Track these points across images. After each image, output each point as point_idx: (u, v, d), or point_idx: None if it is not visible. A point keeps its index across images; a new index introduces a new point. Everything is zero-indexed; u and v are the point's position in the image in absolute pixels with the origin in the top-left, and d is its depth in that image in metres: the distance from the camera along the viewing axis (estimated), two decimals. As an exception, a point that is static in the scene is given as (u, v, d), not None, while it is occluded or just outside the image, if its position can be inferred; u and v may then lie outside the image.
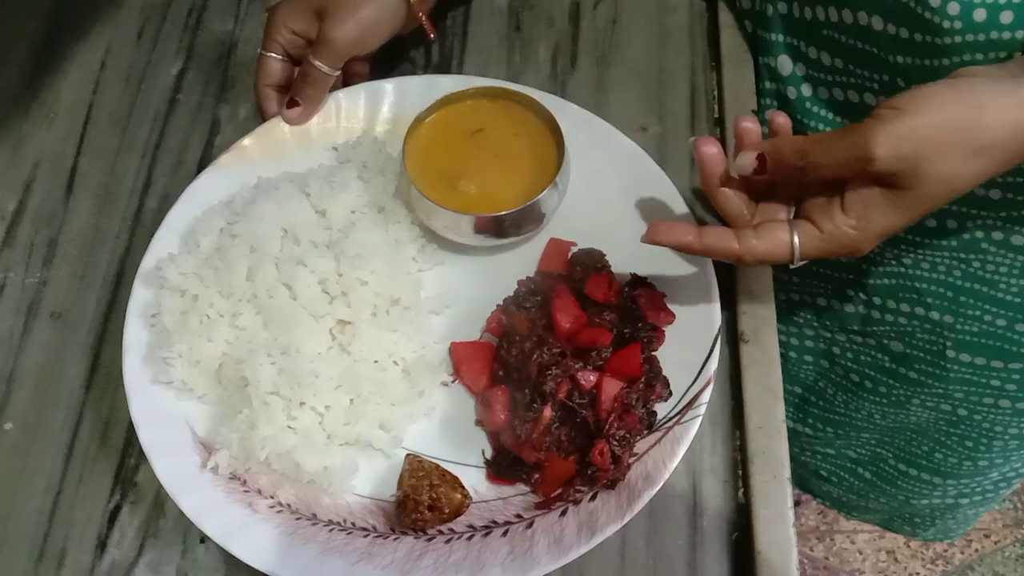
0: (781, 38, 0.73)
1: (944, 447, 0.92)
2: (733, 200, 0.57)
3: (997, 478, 0.97)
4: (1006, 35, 0.56)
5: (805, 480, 1.18)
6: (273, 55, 0.72)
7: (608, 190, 0.69)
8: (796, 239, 0.54)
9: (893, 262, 0.75)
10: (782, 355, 0.91)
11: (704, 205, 0.71)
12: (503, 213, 0.64)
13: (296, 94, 0.70)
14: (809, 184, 0.56)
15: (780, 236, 0.54)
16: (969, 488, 1.00)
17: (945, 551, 1.64)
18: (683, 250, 0.57)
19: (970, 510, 1.07)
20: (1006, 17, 0.55)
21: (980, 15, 0.56)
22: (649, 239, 0.57)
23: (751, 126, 0.57)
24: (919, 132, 0.49)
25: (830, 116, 0.72)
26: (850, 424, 0.97)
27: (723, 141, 0.74)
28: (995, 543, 1.66)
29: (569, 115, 0.69)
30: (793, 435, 1.04)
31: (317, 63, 0.68)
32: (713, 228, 0.56)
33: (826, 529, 1.68)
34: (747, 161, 0.54)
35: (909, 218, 0.53)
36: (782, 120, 0.58)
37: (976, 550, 1.64)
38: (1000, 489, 1.00)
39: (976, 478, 0.97)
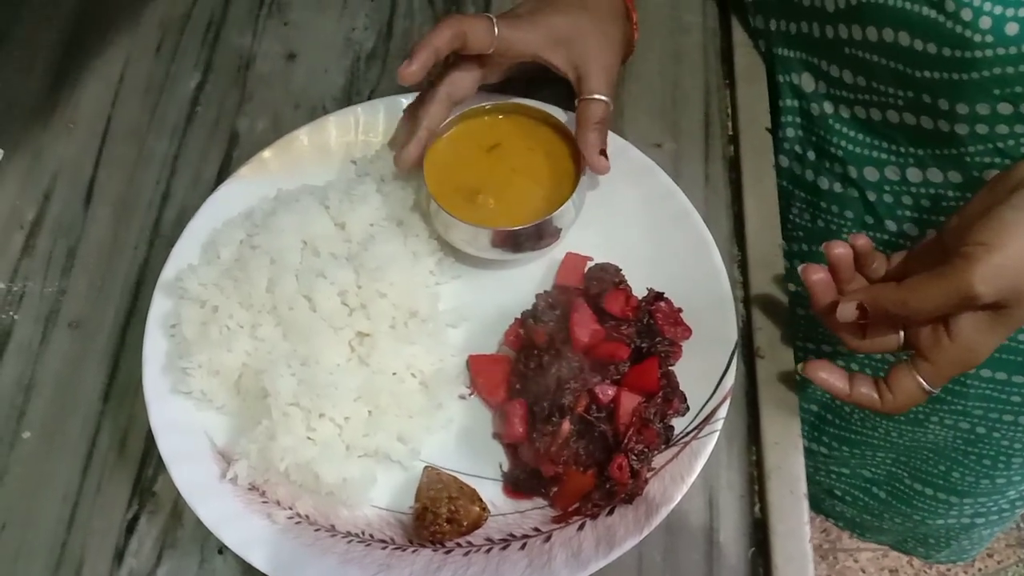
0: (802, 56, 0.73)
1: (961, 466, 0.92)
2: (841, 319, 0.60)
3: (1014, 496, 0.97)
4: None
5: (818, 500, 1.17)
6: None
7: (623, 206, 0.70)
8: (922, 380, 0.57)
9: None
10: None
11: (715, 224, 0.71)
12: (520, 228, 0.64)
13: (597, 142, 0.66)
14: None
15: (908, 384, 0.57)
16: (985, 507, 1.00)
17: (948, 570, 1.63)
18: (834, 394, 0.60)
19: (985, 530, 1.07)
20: None
21: (1012, 29, 0.56)
22: (807, 372, 0.60)
23: (842, 251, 0.59)
24: (1013, 262, 0.51)
25: (852, 133, 0.73)
26: (866, 443, 0.97)
27: (737, 160, 0.75)
28: (998, 563, 1.66)
29: (585, 131, 0.70)
30: (808, 454, 1.04)
31: (596, 95, 0.67)
32: (859, 380, 0.59)
33: (829, 547, 1.67)
34: (848, 312, 0.57)
35: (1015, 329, 0.55)
36: (862, 242, 0.60)
37: (980, 570, 1.63)
38: (1016, 508, 1.00)
39: (993, 496, 0.97)
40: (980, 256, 0.50)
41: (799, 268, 0.60)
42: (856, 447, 0.99)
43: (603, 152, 0.67)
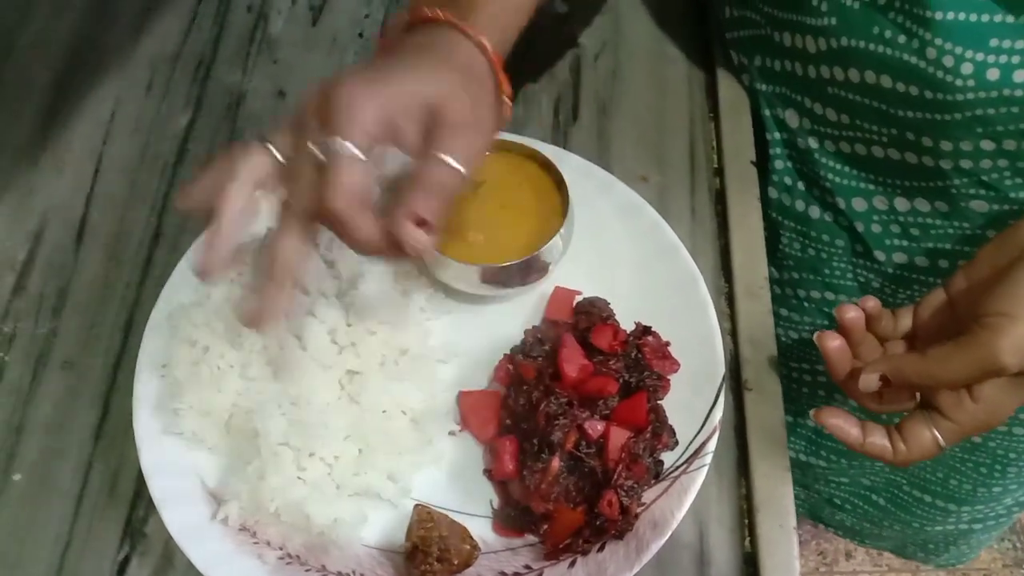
0: (785, 92, 0.74)
1: (959, 474, 0.93)
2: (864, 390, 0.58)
3: (1011, 503, 0.99)
4: (1018, 92, 0.58)
5: (818, 509, 1.18)
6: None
7: (611, 240, 0.71)
8: (938, 435, 0.56)
9: (905, 296, 0.77)
10: (794, 389, 0.91)
11: (702, 256, 0.72)
12: (509, 263, 0.65)
13: (422, 209, 0.50)
14: None
15: (924, 437, 0.56)
16: (983, 514, 1.01)
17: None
18: (846, 443, 0.58)
19: (983, 535, 1.09)
20: (1019, 76, 0.57)
21: (993, 74, 0.57)
22: (820, 420, 0.59)
23: (855, 315, 0.59)
24: None
25: (838, 167, 0.74)
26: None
27: (723, 192, 0.76)
28: (993, 583, 1.66)
29: (571, 166, 0.71)
30: (807, 467, 1.05)
31: (449, 158, 0.50)
32: (872, 430, 0.58)
33: (825, 571, 1.67)
34: (872, 383, 0.56)
35: None
36: (872, 304, 0.59)
37: (975, 592, 1.64)
38: (1013, 513, 1.02)
39: (990, 504, 0.98)
40: (1004, 328, 0.50)
41: (814, 336, 0.59)
42: (855, 458, 1.00)
43: (424, 222, 0.50)
